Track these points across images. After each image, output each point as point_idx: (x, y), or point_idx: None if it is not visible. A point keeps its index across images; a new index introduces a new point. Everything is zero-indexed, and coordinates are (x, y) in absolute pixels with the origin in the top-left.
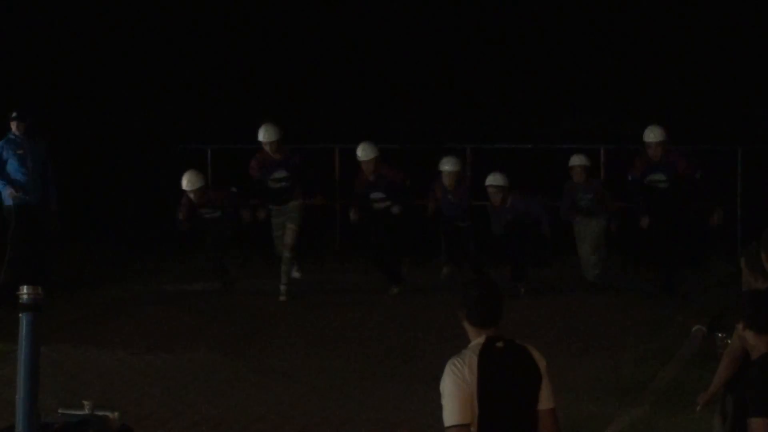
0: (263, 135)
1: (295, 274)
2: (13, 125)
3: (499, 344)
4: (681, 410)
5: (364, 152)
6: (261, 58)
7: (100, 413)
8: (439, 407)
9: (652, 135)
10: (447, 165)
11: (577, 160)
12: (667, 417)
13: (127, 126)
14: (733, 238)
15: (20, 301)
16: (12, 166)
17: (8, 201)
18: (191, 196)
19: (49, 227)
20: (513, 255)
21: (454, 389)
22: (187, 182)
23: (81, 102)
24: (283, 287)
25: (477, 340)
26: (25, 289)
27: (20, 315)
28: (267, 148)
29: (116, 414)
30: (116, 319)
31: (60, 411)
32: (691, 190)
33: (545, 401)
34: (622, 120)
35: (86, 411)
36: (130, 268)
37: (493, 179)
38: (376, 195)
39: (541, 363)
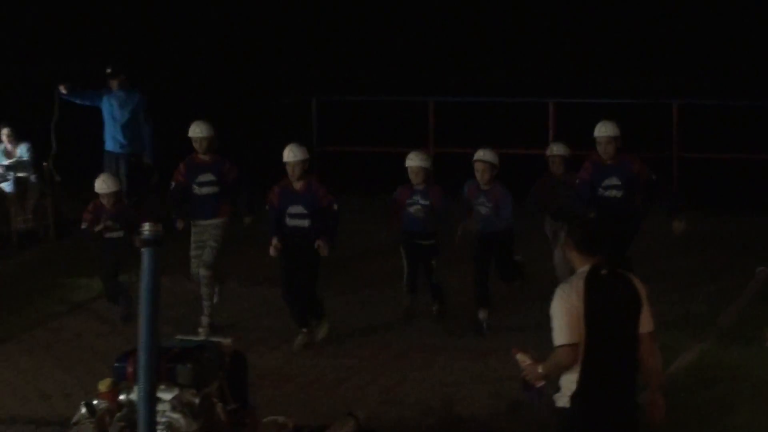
0: (192, 130)
1: (215, 299)
2: (110, 80)
3: (603, 272)
4: (745, 344)
5: (291, 153)
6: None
7: (215, 339)
8: None
9: (604, 129)
10: (412, 160)
11: (555, 149)
12: (733, 350)
13: (233, 77)
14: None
15: (142, 237)
16: (107, 119)
17: (109, 147)
18: (103, 201)
19: (146, 176)
20: (499, 255)
21: (563, 312)
22: (101, 183)
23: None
24: (204, 319)
25: (583, 268)
26: (146, 227)
27: (142, 250)
28: (196, 146)
29: (229, 340)
30: (231, 254)
31: (178, 337)
32: (647, 198)
33: (645, 325)
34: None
35: (202, 337)
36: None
37: (483, 154)
38: (294, 209)
39: (642, 290)
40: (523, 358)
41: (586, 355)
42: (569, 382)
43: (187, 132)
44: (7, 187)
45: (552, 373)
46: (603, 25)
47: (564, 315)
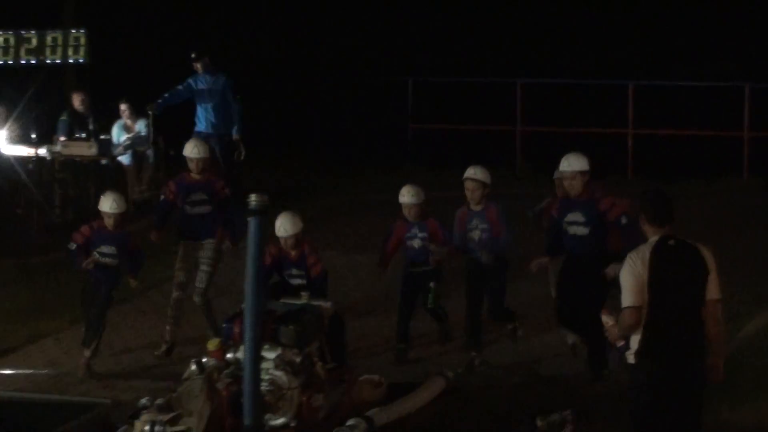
0: (190, 150)
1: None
2: (194, 64)
3: (671, 242)
4: None
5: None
6: None
7: (316, 303)
8: None
9: (567, 163)
10: (404, 197)
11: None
12: None
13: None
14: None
15: (249, 207)
16: (198, 103)
17: (200, 128)
18: (108, 221)
19: (233, 153)
20: (491, 285)
21: (629, 278)
22: (111, 202)
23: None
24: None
25: (653, 238)
26: (252, 197)
27: (248, 219)
28: (191, 165)
29: (329, 303)
30: (331, 223)
31: (282, 300)
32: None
33: (712, 292)
34: None
35: (304, 301)
36: (337, 182)
37: (474, 172)
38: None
39: (710, 259)
40: (606, 320)
41: (649, 318)
42: (634, 340)
43: (280, 111)
44: (125, 160)
45: (623, 333)
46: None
47: (630, 281)
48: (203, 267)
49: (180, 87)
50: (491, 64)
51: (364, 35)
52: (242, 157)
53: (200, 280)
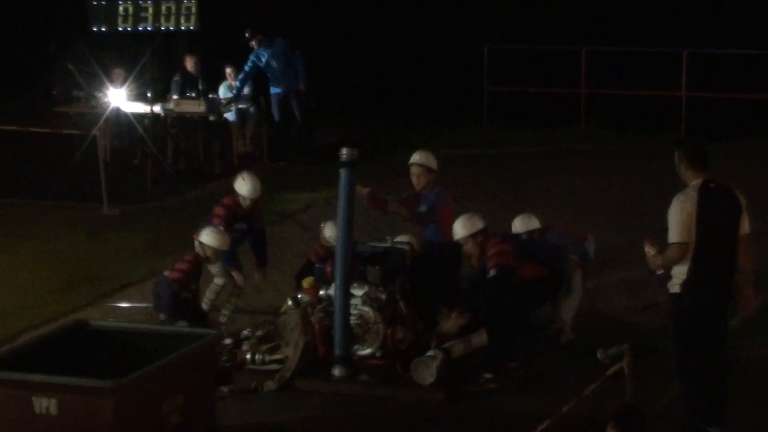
0: (248, 190)
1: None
2: (250, 43)
3: (712, 185)
4: None
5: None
6: None
7: (400, 245)
8: None
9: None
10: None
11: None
12: None
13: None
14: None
15: (341, 159)
16: (267, 71)
17: (272, 91)
18: (245, 203)
19: (305, 105)
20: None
21: (678, 216)
22: (250, 188)
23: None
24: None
25: (695, 182)
26: (344, 150)
27: (340, 170)
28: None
29: (412, 245)
30: (395, 172)
31: (369, 243)
32: None
33: (744, 228)
34: None
35: (388, 243)
36: (421, 138)
37: (419, 157)
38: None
39: (743, 199)
40: (649, 249)
41: (696, 252)
42: (680, 273)
43: (372, 75)
44: (230, 116)
45: (666, 265)
46: None
47: (679, 218)
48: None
49: (246, 69)
50: (559, 33)
51: (448, 7)
52: (314, 105)
53: (210, 291)
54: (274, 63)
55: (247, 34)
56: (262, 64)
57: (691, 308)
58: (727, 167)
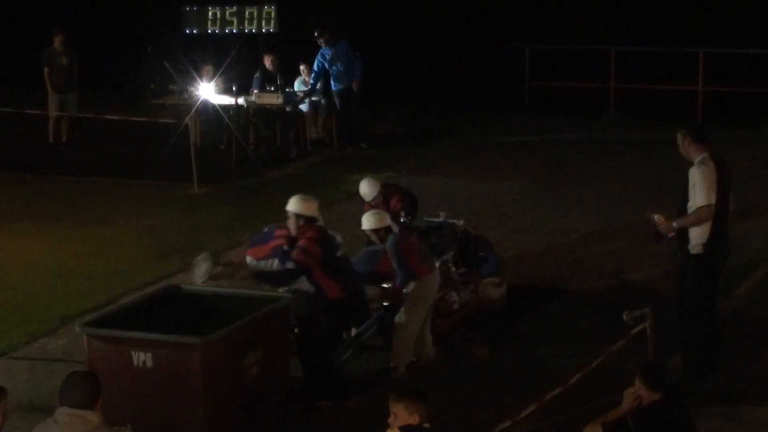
0: (310, 208)
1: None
2: (318, 40)
3: (715, 156)
4: None
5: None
6: None
7: (451, 221)
8: None
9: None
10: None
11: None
12: None
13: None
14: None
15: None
16: (330, 69)
17: (334, 87)
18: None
19: (356, 100)
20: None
21: (707, 180)
22: (370, 187)
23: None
24: None
25: (702, 155)
26: None
27: None
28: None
29: (461, 221)
30: (464, 159)
31: (424, 218)
32: None
33: None
34: None
35: (441, 219)
36: (473, 126)
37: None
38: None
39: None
40: (659, 217)
41: (716, 213)
42: (700, 235)
43: (424, 70)
44: (304, 107)
45: (687, 226)
46: None
47: (707, 183)
48: None
49: (316, 68)
50: (590, 35)
51: (494, 12)
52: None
53: None
54: (337, 62)
55: (316, 33)
56: (326, 62)
57: (713, 265)
58: (736, 151)
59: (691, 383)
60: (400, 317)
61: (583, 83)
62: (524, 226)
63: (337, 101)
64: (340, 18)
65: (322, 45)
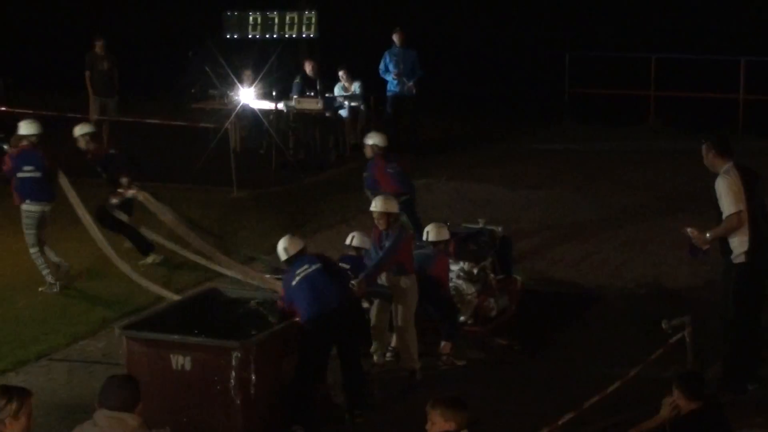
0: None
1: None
2: (395, 36)
3: (739, 165)
4: None
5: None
6: None
7: (490, 227)
8: None
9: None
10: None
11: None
12: None
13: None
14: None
15: None
16: (390, 68)
17: (389, 91)
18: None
19: (410, 103)
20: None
21: (732, 189)
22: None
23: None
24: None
25: (726, 165)
26: None
27: None
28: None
29: (500, 228)
30: (503, 166)
31: (463, 225)
32: None
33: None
34: None
35: (480, 225)
36: (512, 132)
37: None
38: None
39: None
40: (692, 230)
41: (750, 220)
42: (740, 243)
43: (467, 77)
44: (343, 113)
45: (724, 234)
46: None
47: (732, 191)
48: None
49: (382, 67)
50: (630, 41)
51: (535, 19)
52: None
53: None
54: (401, 65)
55: (397, 28)
56: (391, 63)
57: (756, 273)
58: None
59: (730, 393)
60: (398, 320)
61: (623, 90)
62: (563, 233)
63: (389, 105)
64: (379, 25)
65: (396, 43)
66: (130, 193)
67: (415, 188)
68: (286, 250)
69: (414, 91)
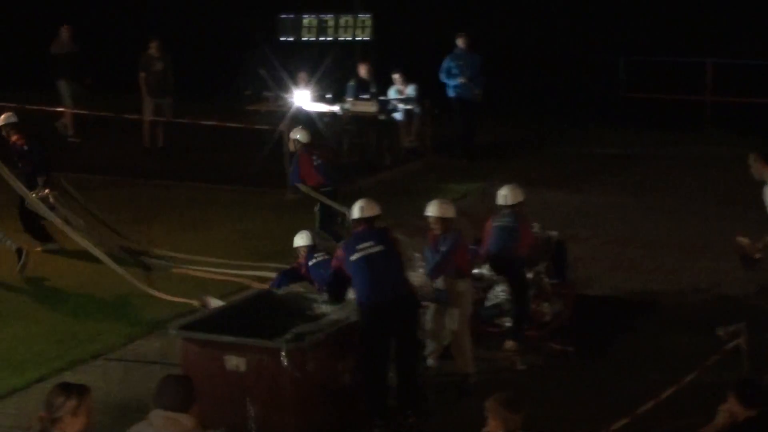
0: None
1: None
2: (459, 40)
3: None
4: None
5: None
6: None
7: (545, 232)
8: None
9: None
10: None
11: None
12: None
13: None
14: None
15: None
16: (455, 71)
17: (450, 94)
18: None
19: (475, 108)
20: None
21: None
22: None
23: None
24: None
25: None
26: None
27: None
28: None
29: (555, 233)
30: (557, 170)
31: None
32: None
33: None
34: None
35: (535, 230)
36: (567, 137)
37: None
38: None
39: None
40: (744, 240)
41: None
42: None
43: (523, 81)
44: (398, 116)
45: None
46: None
47: None
48: None
49: (444, 70)
50: (686, 46)
51: (591, 24)
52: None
53: None
54: (466, 70)
55: (462, 33)
56: (455, 67)
57: None
58: None
59: None
60: (454, 324)
61: (679, 95)
62: (617, 238)
63: (455, 110)
64: (433, 29)
65: (460, 46)
66: (44, 193)
67: (472, 192)
68: (362, 209)
69: (480, 98)
